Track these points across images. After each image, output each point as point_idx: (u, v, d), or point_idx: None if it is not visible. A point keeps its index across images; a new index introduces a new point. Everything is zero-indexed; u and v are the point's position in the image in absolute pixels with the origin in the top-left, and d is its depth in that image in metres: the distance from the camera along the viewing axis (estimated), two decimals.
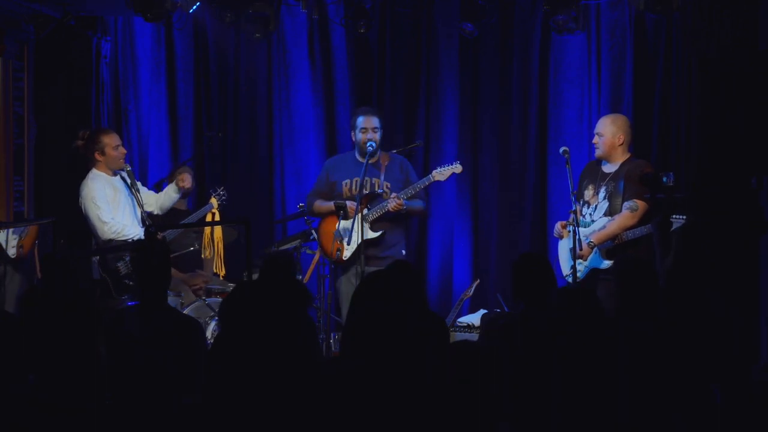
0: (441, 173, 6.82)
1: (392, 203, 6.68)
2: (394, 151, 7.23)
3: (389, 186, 6.82)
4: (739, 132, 6.68)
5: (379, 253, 6.74)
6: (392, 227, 6.83)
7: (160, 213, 7.01)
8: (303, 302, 3.81)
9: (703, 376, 3.88)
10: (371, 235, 6.76)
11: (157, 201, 6.97)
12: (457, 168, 6.84)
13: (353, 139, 6.93)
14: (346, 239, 6.70)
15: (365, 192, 6.79)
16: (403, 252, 6.91)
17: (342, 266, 6.87)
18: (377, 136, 6.82)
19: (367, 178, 6.81)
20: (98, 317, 3.72)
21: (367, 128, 6.82)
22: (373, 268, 6.29)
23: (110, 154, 6.70)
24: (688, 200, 6.43)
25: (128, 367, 3.96)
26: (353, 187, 6.82)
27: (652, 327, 4.06)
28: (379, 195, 6.78)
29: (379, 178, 6.83)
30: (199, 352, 4.19)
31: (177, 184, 6.97)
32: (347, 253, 6.72)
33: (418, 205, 6.90)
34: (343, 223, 6.72)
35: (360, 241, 6.65)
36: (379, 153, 6.88)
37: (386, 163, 6.87)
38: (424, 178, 6.85)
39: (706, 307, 4.42)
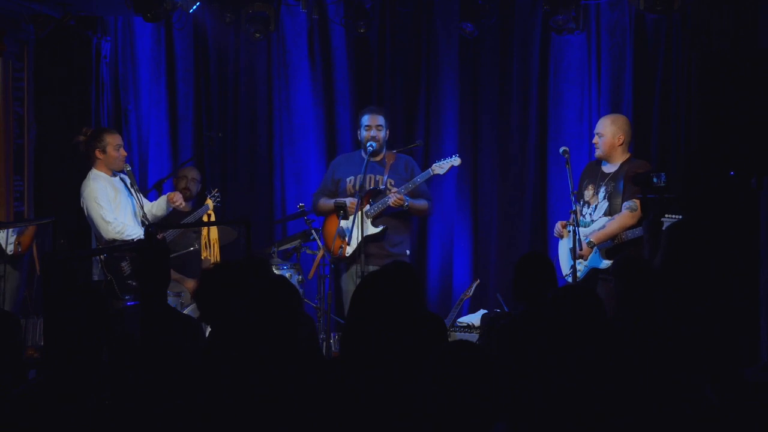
0: (440, 167, 6.85)
1: (393, 198, 6.71)
2: (395, 151, 7.24)
3: (392, 183, 6.85)
4: (739, 132, 6.68)
5: (382, 251, 6.78)
6: (396, 225, 6.87)
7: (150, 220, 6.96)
8: (292, 299, 3.82)
9: (697, 376, 3.88)
10: (372, 230, 6.79)
11: (149, 209, 6.92)
12: (455, 161, 6.87)
13: (359, 137, 6.97)
14: (347, 236, 6.73)
15: (368, 189, 6.84)
16: (408, 252, 6.95)
17: (344, 264, 6.92)
18: (381, 134, 6.88)
19: (370, 175, 6.87)
20: (102, 317, 3.72)
21: (370, 125, 6.87)
22: (375, 267, 6.32)
23: (111, 154, 6.68)
24: (678, 199, 6.43)
25: (128, 367, 3.96)
26: (356, 184, 6.86)
27: (651, 327, 4.06)
28: (382, 191, 6.82)
29: (382, 175, 6.88)
30: (198, 351, 4.20)
31: (169, 200, 6.91)
32: (349, 250, 6.76)
33: (421, 203, 6.91)
34: (345, 221, 6.77)
35: (360, 238, 6.69)
36: (384, 152, 6.95)
37: (391, 161, 6.92)
38: (424, 173, 6.86)
39: (696, 306, 4.43)
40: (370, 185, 6.89)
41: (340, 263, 6.96)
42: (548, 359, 3.60)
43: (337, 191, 6.95)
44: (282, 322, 3.54)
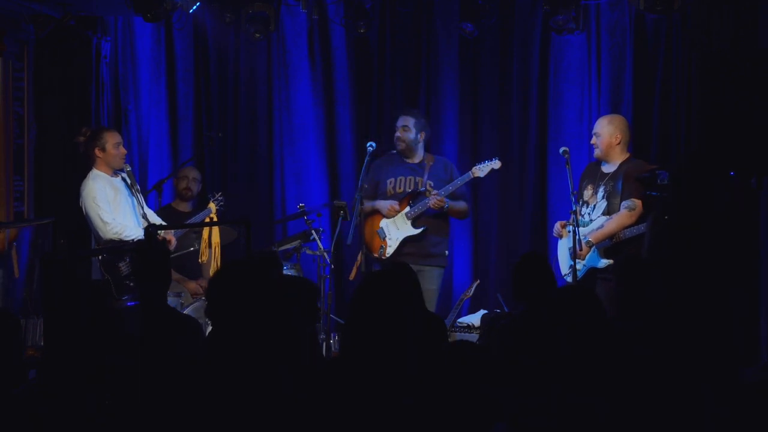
0: (480, 169, 6.97)
1: (433, 200, 6.85)
2: (394, 151, 7.26)
3: (432, 185, 6.96)
4: (739, 132, 6.68)
5: (421, 251, 6.94)
6: (436, 226, 7.00)
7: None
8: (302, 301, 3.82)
9: (697, 376, 3.88)
10: (413, 231, 6.94)
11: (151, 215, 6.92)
12: (495, 164, 6.99)
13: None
14: (386, 237, 6.92)
15: (408, 190, 6.99)
16: (446, 252, 7.12)
17: (379, 266, 7.03)
18: (406, 135, 7.06)
19: (411, 177, 7.05)
20: (102, 317, 3.72)
21: (397, 126, 7.10)
22: (417, 267, 6.43)
23: (110, 152, 6.67)
24: (670, 196, 6.45)
25: (127, 366, 3.96)
26: (396, 186, 7.04)
27: (651, 326, 4.06)
28: (422, 193, 6.97)
29: (422, 177, 7.00)
30: (198, 351, 4.20)
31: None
32: (390, 250, 6.93)
33: (460, 205, 7.05)
34: (385, 222, 6.96)
35: (399, 239, 6.88)
36: (424, 154, 7.15)
37: (430, 164, 7.08)
38: (464, 175, 6.99)
39: (694, 305, 4.43)
40: (409, 187, 7.02)
41: (374, 264, 7.06)
42: (548, 359, 3.60)
43: (377, 193, 7.06)
44: (287, 323, 3.54)
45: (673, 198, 6.28)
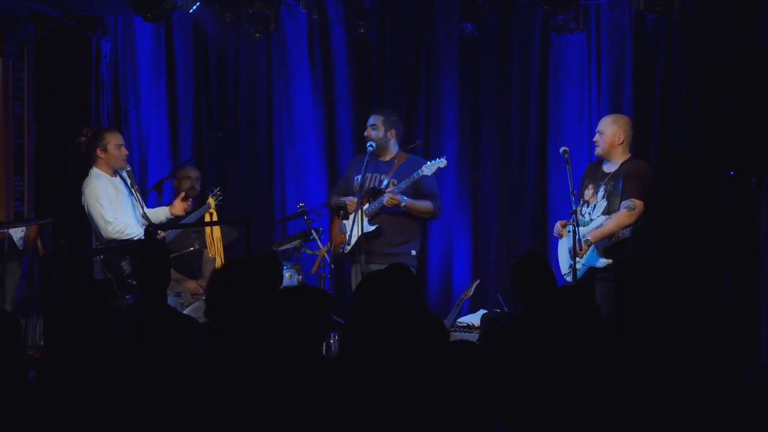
0: (428, 167, 6.90)
1: (386, 197, 6.81)
2: (405, 151, 7.28)
3: (396, 182, 6.93)
4: (739, 132, 6.68)
5: (383, 250, 6.89)
6: (398, 225, 6.94)
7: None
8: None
9: (696, 376, 3.88)
10: (367, 229, 6.89)
11: (150, 214, 6.93)
12: (442, 163, 6.91)
13: None
14: (346, 234, 6.89)
15: (368, 188, 6.97)
16: (413, 252, 7.01)
17: (350, 264, 7.06)
18: (373, 133, 7.03)
19: (375, 174, 7.00)
20: (103, 316, 3.72)
21: (367, 125, 7.08)
22: (377, 265, 6.52)
23: (112, 153, 6.70)
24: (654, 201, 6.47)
25: (127, 366, 3.96)
26: (363, 183, 7.00)
27: (651, 327, 4.06)
28: (381, 191, 6.92)
29: (386, 175, 6.98)
30: (198, 351, 4.20)
31: (170, 212, 7.00)
32: (348, 248, 6.90)
33: (422, 203, 6.95)
34: (346, 220, 6.94)
35: (358, 235, 6.81)
36: (395, 152, 7.08)
37: (401, 162, 7.03)
38: (414, 173, 6.89)
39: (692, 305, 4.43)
40: (371, 184, 6.99)
41: (344, 262, 7.11)
42: (548, 359, 3.61)
43: (348, 190, 7.09)
44: (289, 326, 3.54)
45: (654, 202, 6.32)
